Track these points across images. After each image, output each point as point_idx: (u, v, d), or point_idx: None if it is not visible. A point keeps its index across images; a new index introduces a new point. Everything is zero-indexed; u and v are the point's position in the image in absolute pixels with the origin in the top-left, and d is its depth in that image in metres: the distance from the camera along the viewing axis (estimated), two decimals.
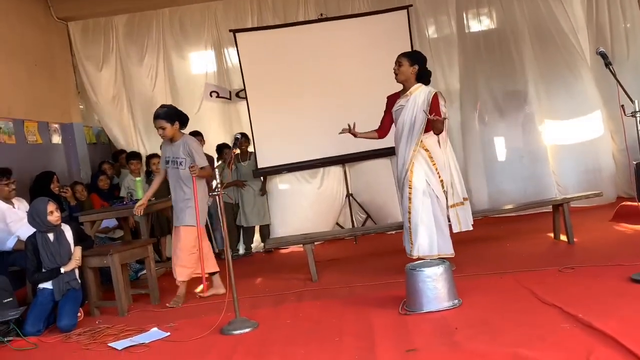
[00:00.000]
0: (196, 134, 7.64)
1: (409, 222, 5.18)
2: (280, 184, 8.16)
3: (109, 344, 4.40)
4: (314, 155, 7.94)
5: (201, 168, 5.42)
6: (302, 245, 6.04)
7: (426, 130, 5.17)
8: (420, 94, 5.20)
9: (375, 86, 7.79)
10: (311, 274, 5.80)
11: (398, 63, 5.25)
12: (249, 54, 7.87)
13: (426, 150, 5.19)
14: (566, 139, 8.09)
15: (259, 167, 7.83)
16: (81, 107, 8.61)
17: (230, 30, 7.96)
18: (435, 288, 4.19)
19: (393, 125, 5.47)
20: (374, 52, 7.88)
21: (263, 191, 7.93)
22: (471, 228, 5.41)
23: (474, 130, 8.19)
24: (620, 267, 4.55)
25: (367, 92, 7.84)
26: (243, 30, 7.99)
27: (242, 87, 8.00)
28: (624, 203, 6.92)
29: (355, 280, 5.51)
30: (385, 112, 5.50)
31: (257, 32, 8.03)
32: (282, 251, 7.75)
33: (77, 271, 5.29)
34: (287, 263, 7.00)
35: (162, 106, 5.68)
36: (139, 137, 8.44)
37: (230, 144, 7.71)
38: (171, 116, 5.47)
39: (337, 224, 8.11)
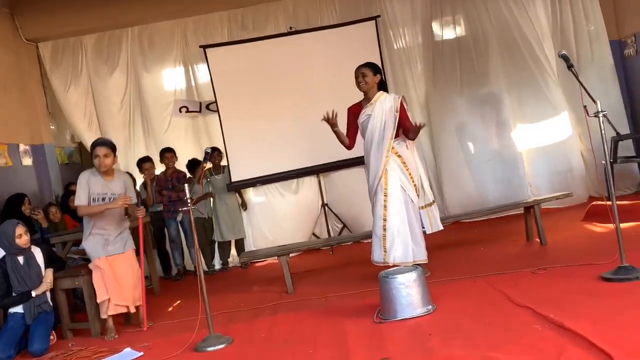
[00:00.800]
0: (167, 150, 7.65)
1: (384, 229, 5.18)
2: (255, 197, 8.14)
3: None
4: (288, 167, 7.95)
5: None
6: (277, 257, 6.02)
7: (396, 136, 5.26)
8: (385, 100, 5.29)
9: (346, 96, 7.77)
10: (287, 286, 5.78)
11: (362, 74, 5.33)
12: (220, 68, 7.88)
13: (398, 155, 5.27)
14: (537, 142, 8.22)
15: (232, 180, 7.81)
16: (52, 127, 8.53)
17: (200, 46, 7.97)
18: (408, 295, 4.19)
19: (359, 135, 5.51)
20: (344, 63, 7.79)
21: (244, 206, 7.92)
22: (442, 228, 5.47)
23: (445, 135, 8.25)
24: (591, 267, 4.61)
25: (338, 102, 7.72)
26: (213, 45, 7.99)
27: (213, 100, 7.99)
28: (594, 203, 7.01)
29: (331, 291, 5.51)
30: (348, 124, 5.54)
31: (227, 47, 8.04)
32: (259, 264, 7.72)
33: (48, 294, 5.23)
34: (263, 276, 6.97)
35: (103, 138, 5.55)
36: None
37: (201, 159, 7.68)
38: (114, 148, 5.31)
39: (314, 234, 8.11)
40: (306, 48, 7.98)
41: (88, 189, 5.14)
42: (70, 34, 8.21)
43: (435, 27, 8.39)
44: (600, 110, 4.27)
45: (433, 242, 6.79)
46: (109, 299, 5.13)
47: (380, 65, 7.83)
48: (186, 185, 4.55)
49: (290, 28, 8.12)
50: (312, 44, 7.99)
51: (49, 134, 8.35)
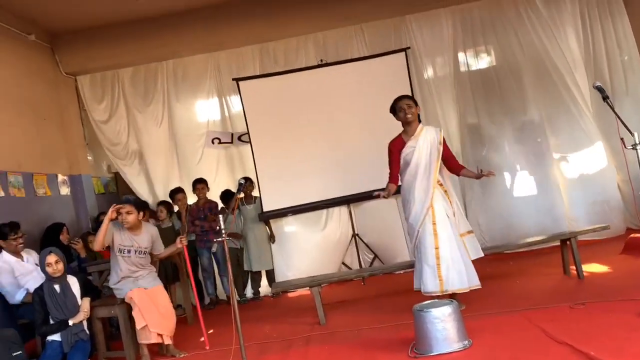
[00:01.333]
0: (199, 181, 7.75)
1: (437, 257, 5.15)
2: (286, 227, 8.17)
3: None
4: (319, 197, 7.98)
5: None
6: (308, 288, 6.00)
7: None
8: (427, 133, 5.37)
9: (376, 127, 7.90)
10: (319, 317, 5.75)
11: (407, 105, 5.37)
12: (252, 100, 8.01)
13: (440, 185, 5.34)
14: (572, 173, 8.11)
15: (263, 210, 7.86)
16: (89, 158, 8.72)
17: (233, 79, 8.12)
18: (444, 329, 4.11)
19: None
20: (374, 95, 7.99)
21: (273, 239, 7.96)
22: (482, 254, 5.44)
23: (482, 162, 8.17)
24: (632, 302, 4.48)
25: (368, 133, 7.97)
26: (246, 78, 8.14)
27: (245, 131, 8.10)
28: (633, 235, 6.87)
29: (364, 323, 5.46)
30: (392, 160, 5.53)
31: (259, 79, 8.18)
32: (290, 294, 7.71)
33: (85, 322, 5.29)
34: (295, 306, 6.96)
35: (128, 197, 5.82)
36: (146, 185, 8.51)
37: (234, 190, 7.77)
38: (139, 206, 5.64)
39: (344, 264, 8.08)
40: (336, 80, 8.08)
41: (112, 235, 5.44)
42: (107, 67, 8.46)
43: (466, 56, 8.42)
44: (638, 142, 4.21)
45: None
46: (147, 326, 5.20)
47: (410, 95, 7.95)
48: (220, 216, 4.60)
49: (321, 60, 8.23)
50: (343, 75, 8.08)
51: (86, 164, 8.55)
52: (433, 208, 5.23)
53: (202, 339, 5.61)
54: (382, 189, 5.40)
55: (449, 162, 5.46)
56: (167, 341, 5.38)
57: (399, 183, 5.55)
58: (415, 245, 5.37)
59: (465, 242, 5.35)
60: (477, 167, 5.51)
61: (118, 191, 9.07)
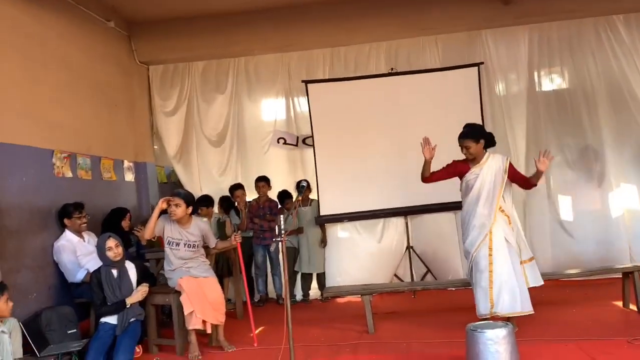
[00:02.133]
0: (262, 179, 7.85)
1: (490, 280, 5.15)
2: (341, 232, 8.17)
3: None
4: (376, 206, 7.95)
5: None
6: (360, 295, 6.00)
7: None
8: (493, 162, 5.41)
9: (442, 142, 7.82)
10: (368, 325, 5.75)
11: (465, 147, 5.43)
12: (319, 103, 8.05)
13: (502, 210, 5.32)
14: (636, 205, 7.81)
15: (321, 214, 7.90)
16: (155, 147, 8.95)
17: (302, 81, 8.19)
18: (497, 352, 4.06)
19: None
20: (442, 108, 7.94)
21: (324, 242, 7.98)
22: (542, 283, 5.39)
23: (540, 188, 8.01)
24: None
25: (433, 143, 7.85)
26: (315, 81, 8.20)
27: (309, 134, 8.17)
28: None
29: (413, 336, 5.44)
30: (444, 170, 5.65)
31: (328, 83, 8.22)
32: (339, 300, 7.71)
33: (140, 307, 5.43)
34: (344, 312, 6.97)
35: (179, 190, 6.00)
36: (201, 181, 8.67)
37: (293, 191, 7.83)
38: (188, 200, 5.71)
39: (396, 275, 8.03)
40: (406, 90, 8.02)
41: (162, 227, 5.59)
42: (180, 59, 8.65)
43: (540, 76, 8.23)
44: None
45: None
46: (194, 311, 5.31)
47: (480, 110, 7.85)
48: (281, 216, 4.64)
49: (392, 69, 8.19)
50: (412, 86, 8.02)
51: (151, 153, 8.76)
52: (491, 233, 5.23)
53: (251, 334, 5.67)
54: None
55: (520, 183, 5.53)
56: (209, 330, 5.49)
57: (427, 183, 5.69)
58: (470, 268, 5.37)
59: (525, 269, 5.32)
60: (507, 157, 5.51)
61: (180, 181, 9.24)
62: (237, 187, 7.96)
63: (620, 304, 6.04)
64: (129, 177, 8.11)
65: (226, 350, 5.49)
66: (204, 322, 5.41)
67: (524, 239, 5.50)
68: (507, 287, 5.11)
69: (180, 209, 5.55)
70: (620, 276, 6.10)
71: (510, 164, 5.41)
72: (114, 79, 7.99)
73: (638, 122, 7.81)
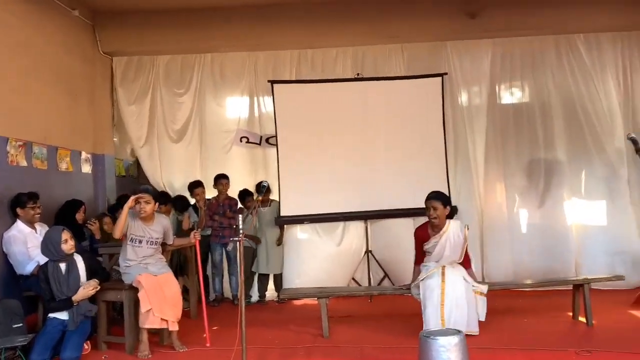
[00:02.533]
0: (223, 177, 7.79)
1: (442, 298, 5.35)
2: (300, 233, 8.15)
3: None
4: (337, 209, 7.95)
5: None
6: (316, 298, 6.00)
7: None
8: (451, 230, 5.67)
9: (405, 146, 7.98)
10: (323, 329, 5.75)
11: (433, 208, 5.66)
12: (284, 104, 8.03)
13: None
14: (592, 220, 7.99)
15: (281, 215, 7.87)
16: (115, 139, 8.78)
17: (269, 81, 8.15)
18: (448, 359, 4.07)
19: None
20: (406, 114, 8.05)
21: (280, 241, 7.94)
22: (483, 319, 5.61)
23: (496, 198, 8.17)
24: (638, 356, 4.49)
25: (395, 152, 8.01)
26: (281, 81, 8.18)
27: (273, 134, 8.14)
28: None
29: (368, 341, 5.46)
30: (416, 246, 5.92)
31: (294, 84, 8.22)
32: (295, 302, 7.68)
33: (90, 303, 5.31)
34: (299, 315, 6.94)
35: (147, 186, 5.90)
36: (163, 177, 8.55)
37: (253, 190, 7.79)
38: (156, 196, 5.71)
39: (354, 279, 8.05)
40: (371, 96, 8.08)
41: (127, 225, 5.46)
42: (145, 52, 8.51)
43: (502, 90, 8.39)
44: None
45: None
46: (151, 309, 5.22)
47: (442, 120, 7.95)
48: (240, 215, 4.60)
49: (358, 74, 8.23)
50: (377, 92, 8.09)
51: (111, 145, 8.60)
52: (445, 268, 5.52)
53: (204, 335, 5.61)
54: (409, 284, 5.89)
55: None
56: (173, 327, 5.40)
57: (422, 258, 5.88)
58: (418, 285, 5.62)
59: (477, 299, 5.56)
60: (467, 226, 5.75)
61: (139, 176, 9.10)
62: (197, 185, 7.87)
63: (570, 315, 6.17)
64: (86, 168, 7.94)
65: (177, 350, 5.41)
66: (163, 320, 5.31)
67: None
68: (458, 307, 5.35)
69: (149, 206, 5.52)
70: (571, 288, 6.21)
71: (465, 233, 5.66)
72: (76, 68, 7.82)
73: (593, 139, 8.03)
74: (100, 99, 8.41)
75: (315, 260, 7.92)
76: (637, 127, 7.95)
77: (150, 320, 5.25)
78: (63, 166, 7.31)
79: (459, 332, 4.29)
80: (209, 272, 7.89)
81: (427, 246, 5.73)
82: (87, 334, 5.24)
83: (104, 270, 5.70)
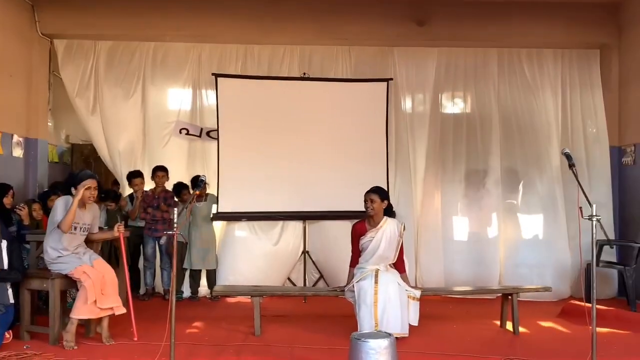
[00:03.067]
0: (161, 169, 7.63)
1: (375, 299, 5.41)
2: (237, 231, 8.05)
3: None
4: (276, 207, 7.90)
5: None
6: (250, 296, 5.95)
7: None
8: (388, 226, 5.80)
9: (347, 148, 8.01)
10: (255, 327, 5.70)
11: (370, 200, 5.78)
12: (228, 99, 7.91)
13: (391, 266, 5.85)
14: (524, 231, 8.21)
15: (219, 211, 7.76)
16: (49, 124, 8.47)
17: (212, 74, 8.01)
18: None
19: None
20: (350, 117, 8.08)
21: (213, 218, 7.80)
22: (416, 324, 5.71)
23: (432, 205, 8.30)
24: None
25: (337, 154, 8.03)
26: (226, 75, 8.04)
27: (214, 127, 8.00)
28: (571, 301, 7.04)
29: (299, 341, 5.45)
30: (353, 243, 5.97)
31: (238, 79, 8.11)
32: (229, 299, 7.59)
33: (10, 291, 5.10)
34: (232, 313, 6.86)
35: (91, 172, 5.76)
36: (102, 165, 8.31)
37: (189, 183, 7.66)
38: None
39: (289, 279, 8.02)
40: (316, 96, 8.07)
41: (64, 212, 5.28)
42: (86, 36, 8.21)
43: (445, 99, 8.53)
44: (594, 214, 4.30)
45: None
46: (95, 301, 5.13)
47: (385, 125, 8.02)
48: (176, 209, 4.50)
49: (304, 74, 8.21)
50: (322, 93, 8.08)
51: (45, 129, 8.28)
52: (378, 271, 5.61)
53: (132, 329, 5.47)
54: (343, 287, 5.93)
55: (398, 258, 5.88)
56: (120, 311, 5.34)
57: (358, 256, 5.92)
58: (352, 288, 5.67)
59: (410, 303, 5.68)
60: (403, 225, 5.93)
61: (72, 163, 8.81)
62: (136, 175, 7.68)
63: (498, 323, 6.30)
64: (17, 152, 7.63)
65: (105, 342, 5.27)
66: (101, 310, 5.22)
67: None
68: (391, 308, 5.42)
69: (95, 192, 5.46)
70: (498, 297, 6.35)
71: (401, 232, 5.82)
72: (12, 48, 7.51)
73: (531, 152, 8.26)
74: (37, 82, 8.08)
75: (251, 259, 7.85)
76: (574, 143, 8.23)
77: (88, 311, 5.14)
78: None
79: (389, 335, 4.34)
80: (140, 265, 7.71)
81: (362, 240, 5.81)
82: (9, 322, 5.10)
83: (15, 270, 5.39)
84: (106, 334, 5.34)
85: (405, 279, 5.86)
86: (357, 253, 5.90)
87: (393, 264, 5.83)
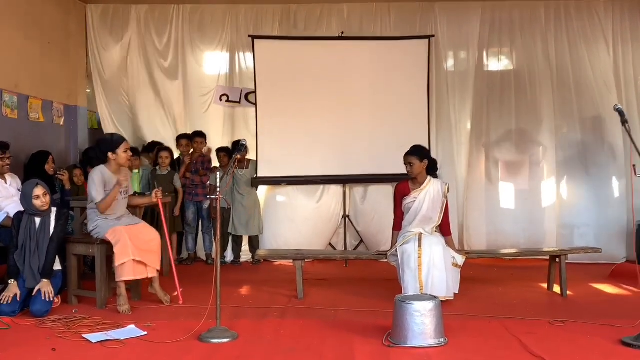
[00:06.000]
0: (199, 135, 7.62)
1: (419, 262, 5.34)
2: (278, 196, 8.04)
3: (83, 335, 4.32)
4: (316, 172, 7.83)
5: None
6: (292, 260, 5.94)
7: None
8: (432, 187, 5.68)
9: (387, 110, 7.86)
10: (297, 291, 5.70)
11: (409, 164, 5.68)
12: (265, 61, 7.80)
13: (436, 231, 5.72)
14: (579, 192, 7.96)
15: (259, 175, 7.73)
16: (88, 91, 8.51)
17: (249, 36, 7.91)
18: (422, 323, 4.11)
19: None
20: (390, 77, 7.89)
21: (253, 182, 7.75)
22: (453, 295, 5.56)
23: (480, 169, 8.12)
24: (612, 328, 4.48)
25: (377, 114, 7.88)
26: (262, 37, 7.92)
27: (252, 90, 7.92)
28: (621, 263, 6.85)
29: (342, 304, 5.42)
30: (396, 204, 5.86)
31: (275, 40, 7.98)
32: (271, 264, 7.62)
33: (58, 259, 5.18)
34: (274, 276, 6.87)
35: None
36: (135, 130, 8.33)
37: (231, 148, 7.64)
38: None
39: (330, 244, 8.00)
40: (355, 56, 7.90)
41: (103, 186, 5.23)
42: (122, 1, 8.16)
43: (489, 56, 8.25)
44: None
45: None
46: (128, 262, 5.08)
47: (426, 84, 7.81)
48: (218, 173, 4.47)
49: (342, 33, 8.01)
50: (361, 52, 7.90)
51: (84, 96, 8.33)
52: (422, 234, 5.51)
53: (176, 293, 5.52)
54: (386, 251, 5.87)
55: (443, 221, 5.73)
56: (152, 274, 5.28)
57: (401, 218, 5.83)
58: (395, 253, 5.60)
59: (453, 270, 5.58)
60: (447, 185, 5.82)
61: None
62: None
63: (545, 286, 6.18)
64: (58, 120, 7.70)
65: (162, 300, 5.33)
66: (140, 269, 5.17)
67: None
68: (435, 270, 5.34)
69: (130, 154, 5.51)
70: (548, 259, 6.22)
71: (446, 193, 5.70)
72: (49, 15, 7.51)
73: (584, 109, 7.94)
74: (75, 49, 8.10)
75: (292, 223, 7.85)
76: (628, 98, 7.90)
77: (129, 272, 5.10)
78: (34, 116, 7.09)
79: (434, 297, 4.32)
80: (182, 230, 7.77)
81: (406, 201, 5.70)
82: (58, 288, 5.18)
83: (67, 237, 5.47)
84: (161, 294, 5.36)
85: (450, 242, 5.74)
86: (400, 215, 5.79)
87: (438, 226, 5.70)
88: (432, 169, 5.77)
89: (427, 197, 5.63)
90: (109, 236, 5.17)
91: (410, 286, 5.30)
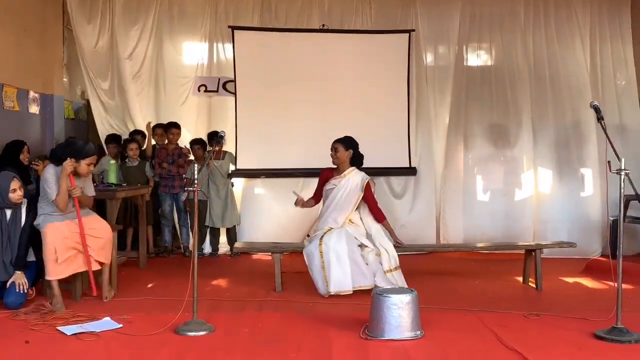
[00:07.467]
0: (175, 126, 7.55)
1: (321, 258, 5.45)
2: (257, 188, 8.01)
3: (58, 328, 4.29)
4: (296, 164, 7.79)
5: None
6: (270, 253, 5.92)
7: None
8: (352, 177, 5.80)
9: (367, 103, 7.85)
10: (276, 284, 5.69)
11: (334, 149, 5.84)
12: (245, 52, 7.76)
13: (351, 222, 5.80)
14: (553, 188, 8.02)
15: (237, 168, 7.68)
16: (65, 80, 8.38)
17: (229, 26, 7.84)
18: (399, 316, 4.15)
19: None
20: (370, 70, 7.89)
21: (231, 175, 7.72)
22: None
23: (457, 162, 8.16)
24: (586, 321, 4.55)
25: (357, 107, 7.87)
26: (242, 28, 7.87)
27: (231, 78, 7.87)
28: (595, 257, 6.95)
29: (320, 297, 5.43)
30: (318, 184, 6.06)
31: (255, 32, 7.94)
32: (249, 256, 7.59)
33: (32, 249, 5.11)
34: (252, 269, 6.86)
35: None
36: (115, 119, 8.21)
37: (207, 140, 7.58)
38: None
39: (308, 235, 7.98)
40: (335, 48, 7.88)
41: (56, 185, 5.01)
42: None
43: (469, 51, 8.27)
44: (622, 168, 4.19)
45: (429, 268, 6.84)
46: (56, 259, 4.89)
47: (406, 78, 7.82)
48: (196, 166, 4.44)
49: (323, 25, 7.99)
50: (342, 45, 7.90)
51: (60, 85, 8.21)
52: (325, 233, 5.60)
53: (149, 285, 5.48)
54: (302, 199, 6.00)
55: (372, 210, 5.83)
56: (96, 267, 5.10)
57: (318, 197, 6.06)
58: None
59: (395, 276, 5.61)
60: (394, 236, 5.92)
61: (88, 120, 8.72)
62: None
63: (520, 279, 6.24)
64: (34, 109, 7.59)
65: (105, 296, 5.18)
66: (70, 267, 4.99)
67: (389, 248, 5.71)
68: (340, 265, 5.42)
69: (93, 168, 5.39)
70: (523, 253, 6.29)
71: (368, 185, 5.76)
72: (25, 2, 7.38)
73: (561, 105, 8.01)
74: (51, 37, 7.98)
75: (271, 215, 7.82)
76: (605, 95, 7.99)
77: (54, 272, 4.90)
78: (9, 104, 6.97)
79: (411, 290, 4.36)
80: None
81: (326, 187, 5.87)
82: (32, 279, 5.10)
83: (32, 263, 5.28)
84: (106, 288, 5.21)
85: (387, 226, 5.85)
86: (317, 194, 6.02)
87: (360, 217, 5.81)
88: (357, 161, 5.89)
89: (344, 186, 5.75)
90: (44, 232, 4.95)
91: (319, 285, 5.46)
